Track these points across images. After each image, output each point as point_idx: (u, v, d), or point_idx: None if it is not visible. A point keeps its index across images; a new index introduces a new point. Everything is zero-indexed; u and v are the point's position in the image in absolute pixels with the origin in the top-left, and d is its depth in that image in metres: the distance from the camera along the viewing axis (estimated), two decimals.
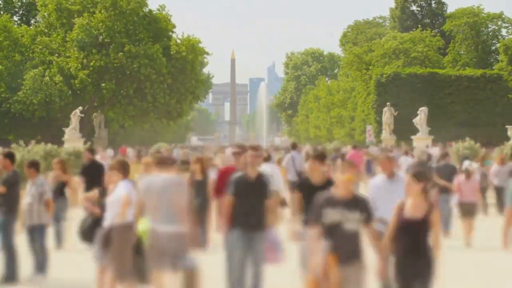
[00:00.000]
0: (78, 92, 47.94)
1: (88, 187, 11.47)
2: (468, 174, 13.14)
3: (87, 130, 47.37)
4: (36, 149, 23.10)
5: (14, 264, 9.05)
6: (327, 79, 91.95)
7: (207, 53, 55.65)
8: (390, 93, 52.90)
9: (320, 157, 7.61)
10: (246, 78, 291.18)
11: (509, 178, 13.57)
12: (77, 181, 13.39)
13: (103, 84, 47.71)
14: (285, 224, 8.89)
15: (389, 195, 7.28)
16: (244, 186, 7.49)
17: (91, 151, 14.25)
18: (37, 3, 49.74)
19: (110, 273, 7.39)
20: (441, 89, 54.15)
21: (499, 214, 15.68)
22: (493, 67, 61.63)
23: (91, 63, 46.68)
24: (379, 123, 50.15)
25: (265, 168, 11.02)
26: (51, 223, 9.88)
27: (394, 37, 64.06)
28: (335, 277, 5.61)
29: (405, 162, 20.06)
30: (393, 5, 72.99)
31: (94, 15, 47.38)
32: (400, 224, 5.82)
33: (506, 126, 39.25)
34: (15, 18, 55.73)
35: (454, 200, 13.10)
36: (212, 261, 9.06)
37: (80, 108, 42.42)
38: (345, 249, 5.70)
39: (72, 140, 39.35)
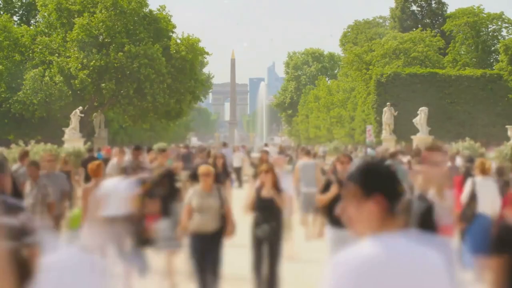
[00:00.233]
0: (78, 92, 47.92)
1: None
2: None
3: (87, 130, 47.35)
4: (36, 149, 23.08)
5: None
6: (327, 79, 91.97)
7: (207, 53, 55.63)
8: (390, 93, 52.92)
9: None
10: (246, 78, 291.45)
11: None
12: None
13: (103, 84, 47.69)
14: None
15: None
16: None
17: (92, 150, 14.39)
18: (37, 3, 49.71)
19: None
20: (441, 89, 54.15)
21: None
22: (493, 67, 61.64)
23: (91, 63, 46.65)
24: (379, 123, 50.15)
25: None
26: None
27: (394, 37, 64.08)
28: None
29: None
30: (393, 5, 73.07)
31: (95, 15, 47.36)
32: None
33: (506, 126, 39.25)
34: (15, 18, 55.69)
35: None
36: None
37: (80, 108, 42.38)
38: None
39: (72, 140, 39.32)
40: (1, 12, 52.99)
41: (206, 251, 8.22)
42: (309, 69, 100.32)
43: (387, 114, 45.98)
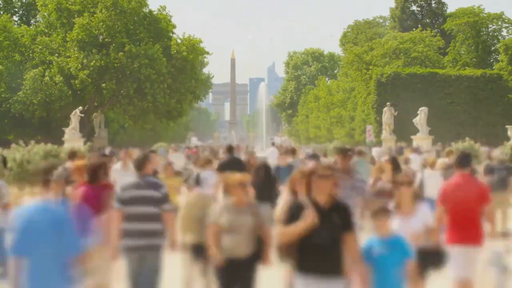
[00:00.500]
0: (78, 92, 47.92)
1: None
2: None
3: (87, 130, 47.35)
4: (36, 149, 23.06)
5: None
6: (327, 79, 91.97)
7: (207, 53, 55.66)
8: (390, 93, 52.90)
9: None
10: (246, 78, 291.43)
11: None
12: None
13: (103, 84, 47.68)
14: None
15: None
16: None
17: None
18: (37, 3, 49.70)
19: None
20: (441, 89, 54.13)
21: None
22: (493, 67, 61.64)
23: (91, 63, 46.64)
24: (379, 123, 50.14)
25: None
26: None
27: (394, 37, 64.07)
28: None
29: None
30: (393, 5, 73.08)
31: (95, 15, 47.35)
32: None
33: (506, 126, 39.26)
34: (15, 18, 55.70)
35: None
36: None
37: (80, 108, 42.39)
38: None
39: (72, 140, 39.33)
40: (1, 12, 52.99)
41: (237, 280, 6.84)
42: (309, 69, 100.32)
43: (387, 114, 45.96)
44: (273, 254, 6.37)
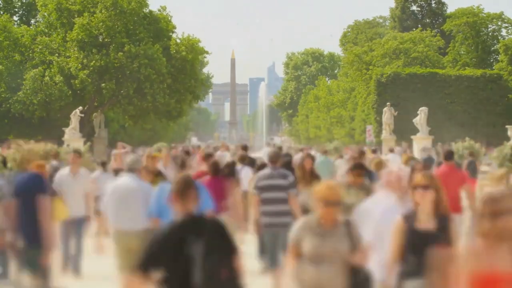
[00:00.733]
0: (78, 92, 47.90)
1: None
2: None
3: (87, 130, 47.34)
4: (36, 149, 23.06)
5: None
6: (327, 79, 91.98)
7: (207, 52, 55.64)
8: (390, 93, 52.89)
9: None
10: (246, 78, 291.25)
11: None
12: None
13: (103, 84, 47.66)
14: None
15: None
16: None
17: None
18: (37, 3, 49.68)
19: None
20: (441, 89, 54.13)
21: None
22: (493, 67, 61.64)
23: (91, 63, 46.63)
24: (379, 123, 50.14)
25: None
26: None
27: (394, 37, 64.05)
28: None
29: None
30: (393, 5, 73.03)
31: (95, 15, 47.34)
32: None
33: (506, 126, 39.23)
34: (15, 18, 55.67)
35: None
36: None
37: (80, 108, 42.38)
38: None
39: (72, 140, 39.34)
40: (1, 12, 52.97)
41: None
42: (309, 69, 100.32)
43: (387, 114, 45.96)
44: None
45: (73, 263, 10.61)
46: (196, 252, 4.12)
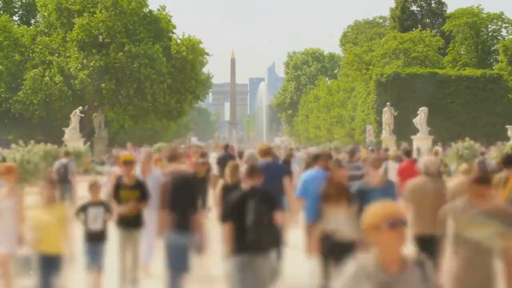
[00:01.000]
0: (78, 92, 47.93)
1: None
2: None
3: (87, 130, 47.36)
4: (36, 149, 23.07)
5: None
6: (327, 79, 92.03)
7: (207, 54, 55.73)
8: (390, 93, 52.89)
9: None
10: (246, 78, 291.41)
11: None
12: None
13: (103, 84, 47.68)
14: None
15: None
16: None
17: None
18: (37, 3, 49.70)
19: None
20: (441, 89, 54.13)
21: None
22: (493, 67, 61.64)
23: (91, 63, 46.65)
24: (379, 123, 50.16)
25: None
26: None
27: (394, 37, 64.03)
28: None
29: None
30: (393, 5, 72.98)
31: (95, 15, 47.35)
32: None
33: (506, 126, 39.27)
34: (15, 18, 55.71)
35: None
36: None
37: (80, 108, 42.40)
38: None
39: (72, 140, 39.36)
40: (1, 12, 52.98)
41: None
42: (309, 69, 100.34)
43: (387, 114, 45.97)
44: None
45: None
46: (251, 205, 6.65)
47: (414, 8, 72.27)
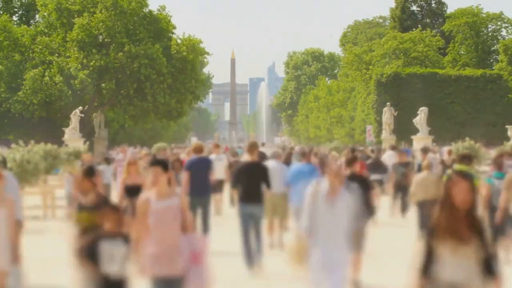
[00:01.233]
0: (78, 92, 47.93)
1: None
2: None
3: (87, 130, 47.36)
4: (36, 149, 23.05)
5: None
6: (327, 79, 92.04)
7: (207, 53, 55.66)
8: (390, 93, 52.87)
9: None
10: (246, 78, 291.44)
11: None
12: None
13: (103, 84, 47.68)
14: None
15: None
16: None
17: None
18: (37, 3, 49.70)
19: None
20: (441, 89, 54.13)
21: None
22: (493, 67, 61.63)
23: (91, 63, 46.65)
24: (379, 123, 50.16)
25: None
26: None
27: (394, 37, 64.02)
28: None
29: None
30: (393, 5, 72.99)
31: (95, 15, 47.35)
32: None
33: (506, 126, 39.30)
34: (15, 18, 55.68)
35: None
36: None
37: (80, 108, 42.41)
38: None
39: (72, 140, 39.36)
40: (1, 12, 52.97)
41: None
42: (309, 69, 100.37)
43: (387, 114, 45.98)
44: None
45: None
46: (248, 175, 10.59)
47: (414, 8, 72.25)
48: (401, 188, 16.71)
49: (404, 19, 71.01)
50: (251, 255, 10.30)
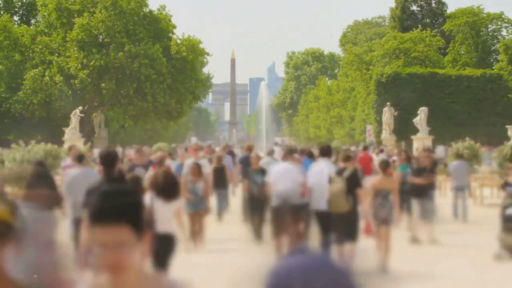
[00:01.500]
0: (78, 92, 47.93)
1: None
2: None
3: (87, 130, 47.36)
4: (36, 149, 23.06)
5: None
6: (327, 79, 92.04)
7: (207, 54, 55.68)
8: (390, 93, 52.85)
9: None
10: (246, 78, 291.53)
11: None
12: None
13: (103, 84, 47.69)
14: None
15: None
16: None
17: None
18: (37, 3, 49.72)
19: None
20: (441, 89, 54.11)
21: None
22: (493, 67, 61.60)
23: (91, 63, 46.66)
24: (379, 123, 50.15)
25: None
26: None
27: (394, 37, 64.01)
28: None
29: None
30: (393, 5, 72.99)
31: (94, 15, 47.37)
32: None
33: (506, 126, 39.23)
34: (15, 18, 55.68)
35: None
36: None
37: (80, 108, 42.40)
38: None
39: (72, 140, 39.30)
40: (1, 12, 52.99)
41: None
42: (309, 69, 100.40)
43: (387, 114, 45.96)
44: None
45: None
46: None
47: (414, 8, 72.24)
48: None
49: (404, 19, 71.01)
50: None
